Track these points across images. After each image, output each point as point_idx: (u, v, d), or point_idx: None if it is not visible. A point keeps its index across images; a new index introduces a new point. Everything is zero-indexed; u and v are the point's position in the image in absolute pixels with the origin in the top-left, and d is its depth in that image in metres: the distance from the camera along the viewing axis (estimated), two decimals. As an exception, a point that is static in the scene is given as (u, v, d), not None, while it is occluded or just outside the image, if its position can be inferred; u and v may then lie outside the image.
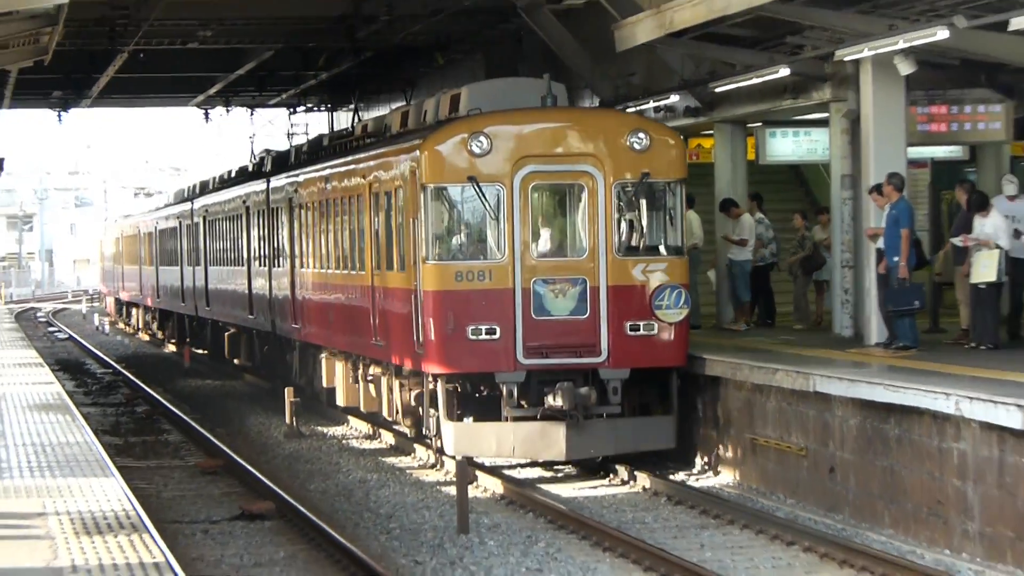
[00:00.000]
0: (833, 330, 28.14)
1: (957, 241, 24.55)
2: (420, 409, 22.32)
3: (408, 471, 27.05)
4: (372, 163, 25.62)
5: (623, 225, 21.48)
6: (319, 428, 34.27)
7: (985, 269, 23.39)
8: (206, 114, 67.75)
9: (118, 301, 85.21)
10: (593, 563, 18.47)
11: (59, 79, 53.71)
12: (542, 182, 21.16)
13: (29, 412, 26.20)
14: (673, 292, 20.87)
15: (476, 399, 21.07)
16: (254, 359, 42.18)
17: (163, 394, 42.40)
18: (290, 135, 65.42)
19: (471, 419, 20.96)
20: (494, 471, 24.49)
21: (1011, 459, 17.31)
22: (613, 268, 20.88)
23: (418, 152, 21.28)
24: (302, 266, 32.98)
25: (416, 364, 21.84)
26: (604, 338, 20.79)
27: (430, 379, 21.42)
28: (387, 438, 30.89)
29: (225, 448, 29.72)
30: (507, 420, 20.61)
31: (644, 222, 21.87)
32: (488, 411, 20.93)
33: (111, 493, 16.63)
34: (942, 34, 21.14)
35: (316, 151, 36.21)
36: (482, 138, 20.63)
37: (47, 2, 23.61)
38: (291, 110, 67.44)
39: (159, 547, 13.08)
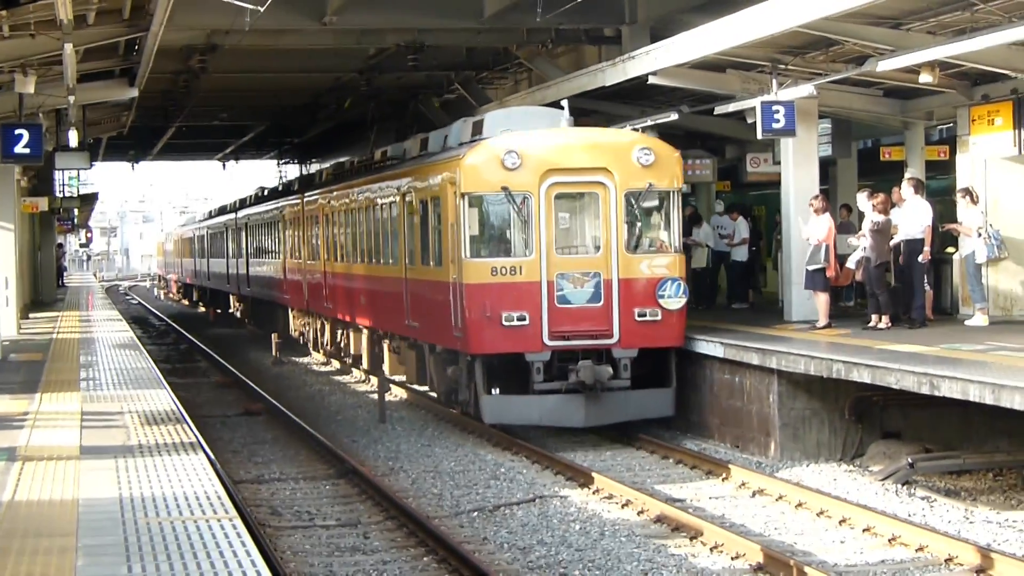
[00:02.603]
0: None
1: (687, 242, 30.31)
2: (457, 381, 24.45)
3: (348, 384, 37.30)
4: (405, 177, 28.07)
5: (631, 227, 23.27)
6: (294, 359, 45.05)
7: (697, 260, 34.20)
8: (223, 165, 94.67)
9: (166, 280, 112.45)
10: (473, 446, 25.18)
11: (132, 143, 69.95)
12: (563, 191, 23.20)
13: (113, 349, 32.29)
14: (674, 284, 23.06)
15: (504, 374, 22.75)
16: (278, 325, 47.74)
17: (196, 338, 53.37)
18: (280, 176, 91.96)
19: (497, 390, 22.73)
20: (402, 385, 32.73)
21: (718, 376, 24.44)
22: (623, 263, 22.93)
23: (458, 166, 23.26)
24: (334, 259, 36.18)
25: (454, 344, 23.92)
26: (616, 323, 22.85)
27: (468, 357, 23.38)
28: (335, 365, 41.48)
29: (235, 371, 39.68)
30: (534, 393, 22.50)
31: (649, 224, 23.94)
32: (514, 385, 22.79)
33: (163, 399, 21.80)
34: (674, 116, 31.16)
35: (340, 173, 40.18)
36: (514, 154, 22.56)
37: (125, 96, 33.09)
38: (277, 161, 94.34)
39: (192, 432, 18.22)
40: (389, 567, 16.70)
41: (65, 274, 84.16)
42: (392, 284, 28.99)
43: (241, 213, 58.46)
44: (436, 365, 26.23)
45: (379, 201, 31.02)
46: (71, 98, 29.10)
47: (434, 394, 28.87)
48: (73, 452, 15.98)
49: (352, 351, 36.46)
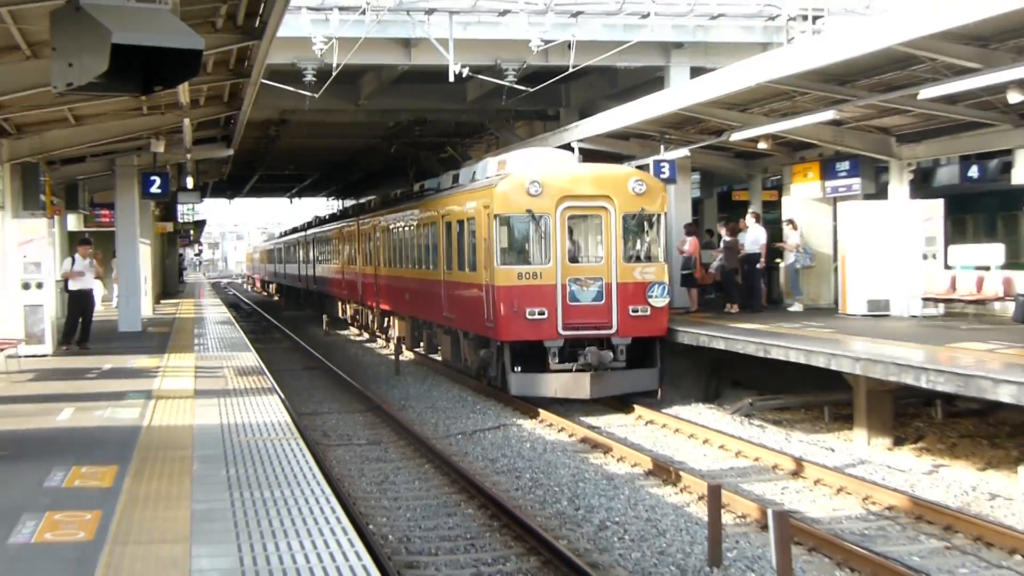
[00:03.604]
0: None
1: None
2: (488, 360, 22.88)
3: (374, 349, 36.55)
4: (443, 202, 26.46)
5: (627, 242, 21.76)
6: (339, 332, 43.90)
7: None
8: (290, 200, 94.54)
9: (252, 279, 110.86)
10: (460, 391, 25.34)
11: (228, 185, 70.48)
12: (574, 213, 21.78)
13: (216, 325, 31.77)
14: (660, 287, 21.59)
15: (523, 356, 21.39)
16: (329, 310, 46.41)
17: (273, 317, 53.10)
18: (328, 208, 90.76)
19: (519, 368, 21.39)
20: (411, 350, 32.09)
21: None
22: (620, 271, 21.47)
23: (492, 193, 21.89)
24: (383, 265, 34.43)
25: (486, 332, 22.40)
26: (615, 317, 21.34)
27: (498, 343, 21.89)
28: (365, 337, 40.82)
29: (298, 339, 39.06)
30: (550, 372, 21.09)
31: (641, 240, 22.19)
32: (530, 364, 21.35)
33: (251, 358, 21.70)
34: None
35: (386, 201, 38.36)
36: (537, 183, 21.30)
37: (224, 154, 32.41)
38: (326, 198, 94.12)
39: (270, 380, 18.31)
40: (402, 472, 16.79)
41: (184, 275, 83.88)
42: (431, 285, 27.16)
43: (309, 232, 57.20)
44: (469, 348, 24.38)
45: (420, 221, 29.03)
46: (188, 155, 29.15)
47: (451, 367, 27.18)
48: (189, 393, 16.05)
49: (397, 333, 33.87)
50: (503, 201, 21.56)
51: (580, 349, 21.02)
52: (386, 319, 35.59)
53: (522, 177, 21.72)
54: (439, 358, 29.16)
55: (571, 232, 22.00)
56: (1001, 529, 12.59)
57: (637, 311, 21.39)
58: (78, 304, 23.15)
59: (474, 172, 26.19)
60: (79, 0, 8.50)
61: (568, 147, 27.71)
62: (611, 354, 21.09)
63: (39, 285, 21.53)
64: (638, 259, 21.85)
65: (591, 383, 20.86)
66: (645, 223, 22.03)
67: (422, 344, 31.27)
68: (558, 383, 21.05)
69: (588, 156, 27.27)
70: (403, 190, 37.69)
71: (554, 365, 21.09)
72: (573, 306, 21.23)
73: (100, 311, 29.71)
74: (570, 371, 20.98)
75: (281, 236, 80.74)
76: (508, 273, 21.34)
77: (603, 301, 21.38)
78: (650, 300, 21.46)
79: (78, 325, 23.15)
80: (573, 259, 21.72)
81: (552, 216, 21.29)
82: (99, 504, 9.24)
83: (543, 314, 21.04)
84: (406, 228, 30.93)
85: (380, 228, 35.19)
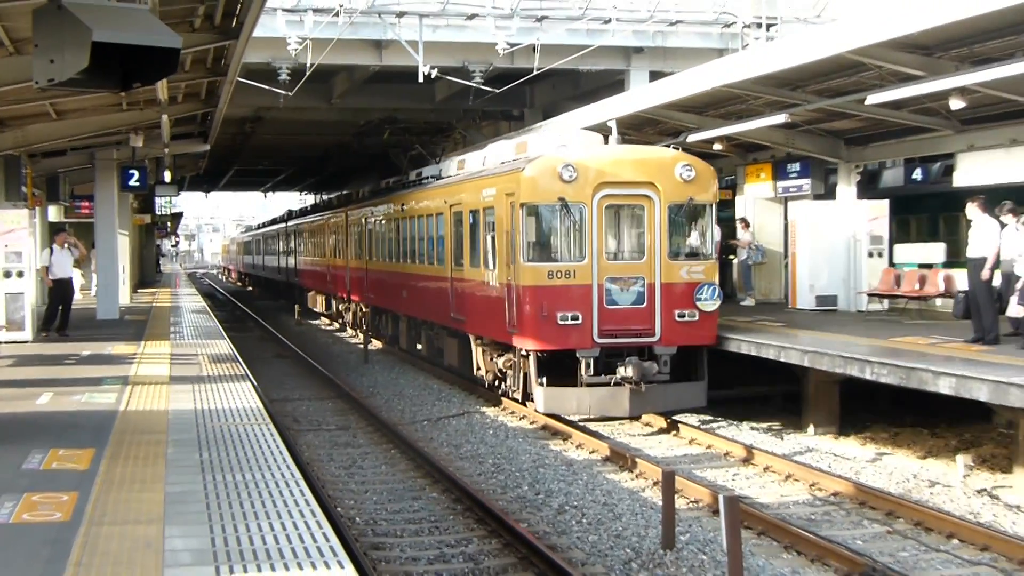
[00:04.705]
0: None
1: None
2: (504, 370, 19.52)
3: (344, 339, 36.65)
4: (450, 191, 22.64)
5: (673, 236, 18.37)
6: (310, 322, 44.00)
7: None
8: (264, 194, 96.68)
9: (228, 270, 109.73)
10: (426, 379, 25.36)
11: (205, 179, 69.76)
12: (613, 203, 18.07)
13: (191, 313, 31.84)
14: (709, 288, 18.18)
15: (549, 366, 17.97)
16: (329, 307, 42.33)
17: (246, 307, 52.98)
18: (300, 202, 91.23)
19: (544, 380, 17.85)
20: (379, 339, 31.53)
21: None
22: (665, 269, 18.04)
23: (518, 178, 18.14)
24: (375, 259, 30.79)
25: (506, 338, 18.84)
26: (658, 323, 17.95)
27: (522, 351, 18.42)
28: (335, 327, 40.83)
29: (271, 328, 39.34)
30: (583, 386, 17.62)
31: (689, 234, 18.66)
32: (558, 376, 17.88)
33: (224, 346, 21.58)
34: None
35: (376, 191, 34.71)
36: (571, 168, 17.68)
37: (200, 149, 31.50)
38: (299, 192, 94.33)
39: (243, 367, 18.14)
40: (370, 456, 16.76)
41: (161, 265, 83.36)
42: (436, 282, 23.40)
43: (290, 223, 53.83)
44: (484, 355, 20.69)
45: (421, 211, 25.23)
46: (166, 150, 28.96)
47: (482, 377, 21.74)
48: (165, 379, 15.95)
49: (389, 332, 30.48)
50: (531, 188, 17.95)
51: (617, 359, 17.80)
52: (378, 317, 32.22)
53: (554, 160, 18.14)
54: (417, 355, 28.73)
55: (608, 224, 18.37)
56: (940, 515, 12.69)
57: (684, 316, 18.10)
58: (58, 292, 23.13)
59: (484, 157, 23.09)
60: (60, -1, 8.46)
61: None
62: (655, 366, 17.79)
63: (20, 274, 21.53)
64: (685, 256, 18.45)
65: (631, 399, 17.60)
66: (694, 214, 18.57)
67: (420, 345, 27.08)
68: (592, 399, 17.70)
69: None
70: (396, 178, 34.43)
71: (588, 378, 17.68)
72: (610, 310, 17.91)
73: (79, 299, 29.58)
74: (607, 385, 17.62)
75: (259, 228, 77.90)
76: (536, 271, 17.83)
77: (645, 304, 18.04)
78: (699, 304, 18.16)
79: (58, 312, 23.10)
80: (611, 256, 18.23)
81: (588, 206, 17.86)
82: (76, 486, 9.18)
83: (576, 319, 17.64)
84: (403, 219, 27.56)
85: (371, 219, 31.75)
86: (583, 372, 17.66)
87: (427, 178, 27.32)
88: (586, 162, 18.03)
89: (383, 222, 29.91)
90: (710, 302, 18.19)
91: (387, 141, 46.29)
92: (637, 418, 18.39)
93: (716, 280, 18.56)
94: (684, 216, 18.40)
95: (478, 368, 21.12)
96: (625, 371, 17.41)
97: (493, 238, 19.30)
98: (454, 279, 21.95)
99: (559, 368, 17.93)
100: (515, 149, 21.12)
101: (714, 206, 18.81)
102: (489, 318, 19.66)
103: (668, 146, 22.84)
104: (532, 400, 18.37)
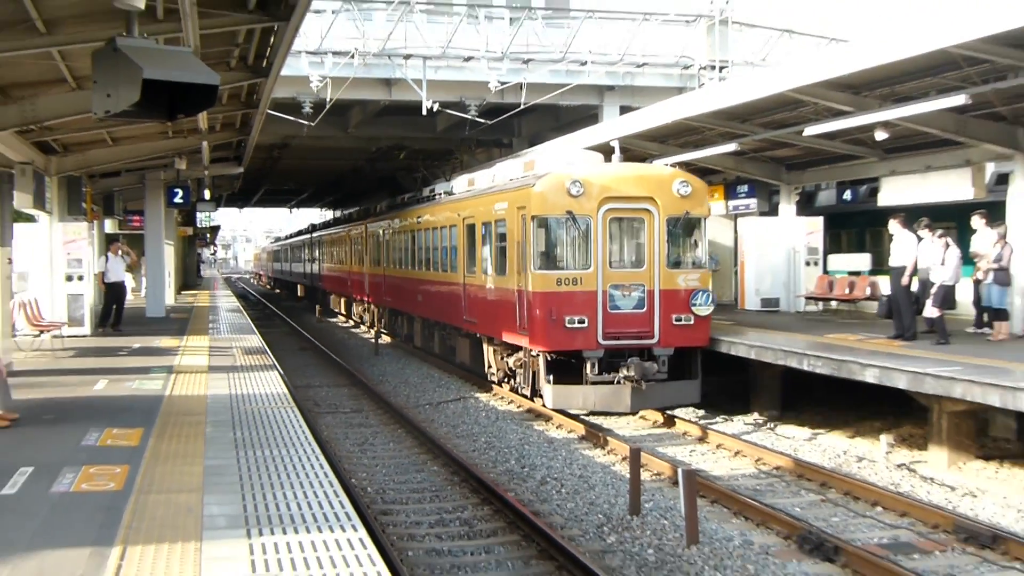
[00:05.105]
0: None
1: None
2: (520, 370, 18.40)
3: (358, 334, 36.10)
4: (463, 205, 21.48)
5: (671, 247, 17.44)
6: (329, 320, 43.45)
7: None
8: (290, 210, 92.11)
9: (259, 275, 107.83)
10: (428, 369, 25.16)
11: (239, 197, 69.05)
12: (616, 216, 17.16)
13: (227, 312, 31.64)
14: (704, 294, 17.30)
15: (555, 365, 17.15)
16: (349, 309, 41.33)
17: (274, 307, 53.08)
18: (321, 217, 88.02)
19: (551, 378, 17.06)
20: (388, 335, 29.34)
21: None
22: (664, 277, 17.16)
23: (528, 193, 17.25)
24: (392, 266, 29.45)
25: (517, 340, 17.88)
26: (657, 326, 17.06)
27: (532, 351, 17.54)
28: (351, 324, 40.29)
29: (295, 325, 39.26)
30: (588, 384, 16.76)
31: (685, 245, 17.68)
32: (564, 374, 17.08)
33: (255, 340, 21.64)
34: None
35: (392, 206, 33.10)
36: (578, 183, 16.84)
37: (235, 171, 31.62)
38: (320, 209, 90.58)
39: (271, 358, 18.16)
40: (379, 435, 16.72)
41: (201, 270, 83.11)
42: (449, 287, 22.23)
43: (314, 235, 52.64)
44: (495, 354, 19.77)
45: (436, 224, 23.88)
46: (206, 172, 28.96)
47: (492, 376, 20.72)
48: (204, 368, 15.91)
49: (404, 331, 29.17)
50: (541, 202, 17.07)
51: (619, 360, 16.97)
52: (395, 318, 30.82)
53: (562, 176, 17.27)
54: (417, 346, 28.76)
55: (611, 235, 17.47)
56: (866, 485, 12.72)
57: (680, 320, 17.23)
58: (112, 294, 23.17)
59: (493, 175, 22.06)
60: (116, 42, 8.45)
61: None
62: (655, 366, 16.98)
63: (80, 278, 21.63)
64: (682, 265, 17.53)
65: (632, 396, 16.83)
66: (690, 226, 17.66)
67: (434, 343, 25.67)
68: (597, 396, 16.89)
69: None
70: (411, 194, 33.31)
71: (592, 377, 16.89)
72: (614, 314, 17.04)
73: (131, 300, 29.44)
74: (611, 383, 16.84)
75: (286, 239, 77.03)
76: (545, 279, 16.95)
77: (645, 309, 17.15)
78: (694, 309, 17.31)
79: (112, 311, 23.08)
80: (614, 264, 17.29)
81: (594, 218, 17.02)
82: (127, 460, 9.16)
83: (583, 323, 16.81)
84: (419, 230, 26.12)
85: (389, 230, 30.40)
86: (588, 371, 16.86)
87: (439, 194, 26.43)
88: (592, 178, 17.27)
89: (400, 233, 28.83)
90: (705, 307, 17.39)
91: (398, 164, 46.41)
92: (635, 413, 17.72)
93: (710, 287, 17.68)
94: (681, 228, 17.59)
95: (489, 366, 20.29)
96: (628, 371, 16.68)
97: (505, 248, 18.45)
98: (467, 285, 20.97)
99: (564, 366, 17.26)
100: (523, 167, 20.35)
101: (707, 219, 17.96)
102: (500, 321, 18.80)
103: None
104: (539, 396, 17.69)
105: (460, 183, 24.99)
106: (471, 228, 20.72)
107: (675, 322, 17.17)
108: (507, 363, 19.13)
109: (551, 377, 17.12)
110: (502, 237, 18.65)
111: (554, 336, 16.78)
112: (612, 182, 17.35)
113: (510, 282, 18.09)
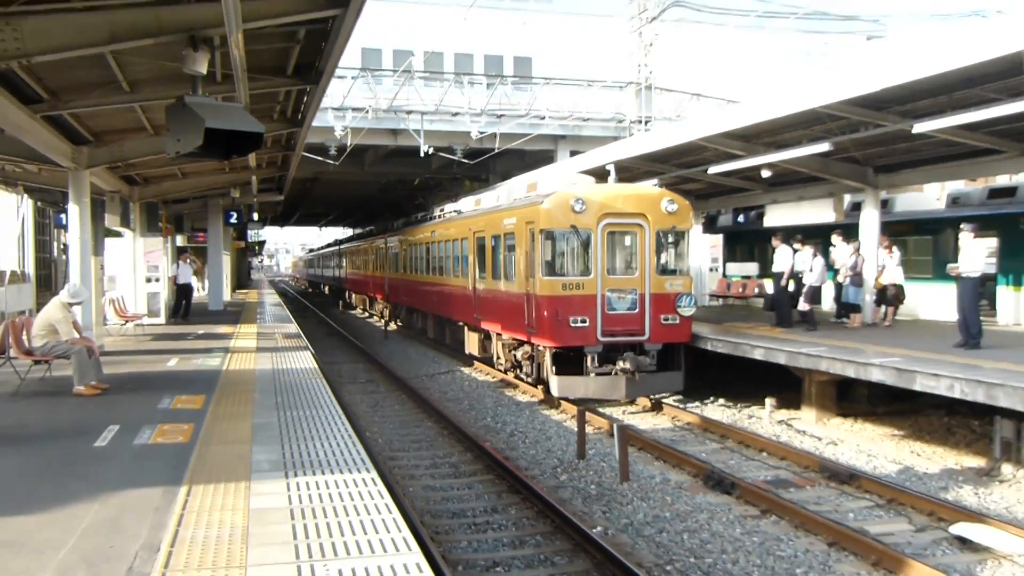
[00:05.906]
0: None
1: None
2: (526, 362, 16.88)
3: (372, 322, 35.20)
4: (473, 221, 19.71)
5: (659, 256, 15.96)
6: (350, 312, 42.28)
7: None
8: (320, 228, 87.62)
9: (297, 279, 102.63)
10: (424, 349, 24.80)
11: (281, 218, 66.82)
12: (613, 229, 15.69)
13: (271, 306, 31.04)
14: (687, 297, 15.83)
15: (562, 360, 15.63)
16: (367, 305, 39.60)
17: (308, 302, 51.63)
18: (343, 234, 79.87)
19: (554, 369, 15.45)
20: (395, 323, 29.70)
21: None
22: (653, 282, 15.61)
23: (537, 210, 15.69)
24: (410, 272, 27.04)
25: (525, 336, 16.33)
26: (648, 325, 15.51)
27: (540, 347, 16.01)
28: (367, 315, 38.55)
29: (324, 316, 37.88)
30: (589, 375, 15.25)
31: (672, 255, 16.21)
32: (566, 366, 15.57)
33: (294, 328, 21.10)
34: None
35: (408, 223, 30.80)
36: (581, 201, 15.39)
37: (277, 199, 30.48)
38: (343, 227, 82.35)
39: (305, 341, 17.84)
40: (387, 399, 16.62)
41: (251, 274, 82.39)
42: (461, 290, 20.48)
43: (342, 246, 50.98)
44: (502, 347, 18.08)
45: (449, 237, 22.02)
46: (254, 199, 28.66)
47: (500, 367, 18.94)
48: (253, 349, 15.75)
49: (419, 325, 26.99)
50: (548, 217, 15.52)
51: (615, 354, 15.54)
52: (413, 316, 28.53)
53: (567, 195, 15.75)
54: (423, 335, 28.51)
55: (608, 246, 15.97)
56: (754, 437, 12.78)
57: (668, 319, 15.74)
58: (182, 292, 23.00)
59: (499, 195, 20.39)
60: (185, 99, 8.38)
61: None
62: (647, 359, 15.55)
63: (156, 280, 21.46)
64: (669, 272, 16.03)
65: (626, 385, 15.32)
66: (676, 239, 16.19)
67: (446, 336, 23.69)
68: (596, 385, 15.41)
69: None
70: (423, 213, 31.07)
71: (593, 368, 15.46)
72: (611, 314, 15.59)
73: (197, 296, 29.20)
74: (609, 374, 15.33)
75: (317, 250, 76.36)
76: (552, 284, 15.39)
77: (637, 310, 15.67)
78: (679, 310, 15.79)
79: (181, 305, 22.87)
80: (610, 271, 15.78)
81: (594, 231, 15.57)
82: (192, 419, 9.05)
83: (585, 322, 15.39)
84: (433, 242, 23.93)
85: (407, 242, 28.13)
86: (589, 364, 15.41)
87: (451, 212, 24.66)
88: (592, 196, 15.77)
89: (417, 245, 26.62)
90: (688, 308, 15.86)
91: (402, 193, 46.17)
92: (631, 401, 16.31)
93: (693, 291, 16.24)
94: (668, 240, 16.08)
95: (498, 358, 18.59)
96: (624, 364, 15.26)
97: (513, 257, 16.95)
98: (477, 288, 19.40)
99: (565, 359, 16.07)
100: (527, 188, 18.66)
101: (690, 232, 16.35)
102: (508, 319, 17.35)
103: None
104: (543, 384, 16.27)
105: (467, 203, 23.42)
106: (481, 240, 19.27)
107: (663, 321, 15.78)
108: (514, 355, 17.68)
109: (555, 368, 15.81)
110: (511, 248, 17.22)
111: (560, 334, 15.41)
112: (609, 200, 15.96)
113: (518, 286, 16.64)
